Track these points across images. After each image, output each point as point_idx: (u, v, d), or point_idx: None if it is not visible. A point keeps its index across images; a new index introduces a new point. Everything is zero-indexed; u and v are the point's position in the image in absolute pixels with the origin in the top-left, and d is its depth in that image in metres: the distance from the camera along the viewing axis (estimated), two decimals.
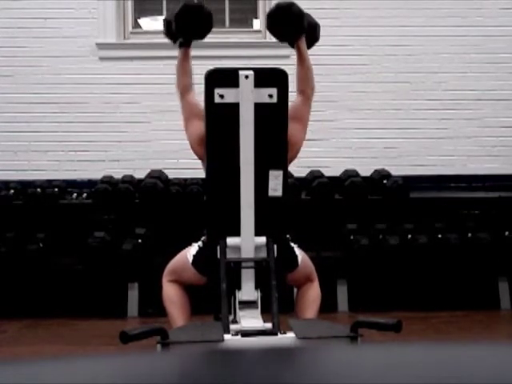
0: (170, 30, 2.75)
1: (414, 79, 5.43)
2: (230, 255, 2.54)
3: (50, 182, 5.02)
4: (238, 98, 2.50)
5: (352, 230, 4.69)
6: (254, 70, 2.54)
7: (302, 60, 2.74)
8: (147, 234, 4.66)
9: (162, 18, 5.71)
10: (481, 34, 5.42)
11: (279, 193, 2.59)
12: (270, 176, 2.58)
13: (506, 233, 4.68)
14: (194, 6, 2.68)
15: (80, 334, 3.99)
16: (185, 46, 2.72)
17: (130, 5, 5.59)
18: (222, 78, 2.54)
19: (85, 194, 5.01)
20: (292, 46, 2.79)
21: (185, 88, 2.74)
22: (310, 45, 2.80)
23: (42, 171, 5.27)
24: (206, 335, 2.21)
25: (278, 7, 2.69)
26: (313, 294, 2.76)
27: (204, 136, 2.63)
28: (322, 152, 5.27)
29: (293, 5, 2.69)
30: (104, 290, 4.50)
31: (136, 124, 5.37)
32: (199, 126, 2.67)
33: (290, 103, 2.64)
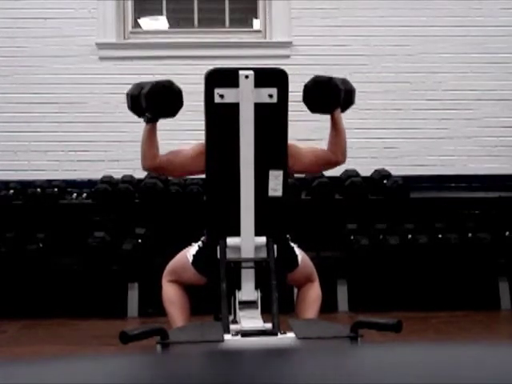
0: (134, 105, 2.65)
1: (414, 79, 5.43)
2: (229, 255, 2.54)
3: (49, 182, 5.02)
4: (238, 98, 2.50)
5: (352, 229, 4.69)
6: (254, 70, 2.54)
7: (336, 130, 2.72)
8: (147, 234, 4.66)
9: (162, 17, 5.75)
10: (481, 34, 5.42)
11: (279, 193, 2.59)
12: (270, 176, 2.58)
13: (506, 233, 4.68)
14: (164, 85, 2.60)
15: (80, 333, 3.99)
16: (152, 121, 2.64)
17: (129, 5, 5.58)
18: (222, 77, 2.54)
19: (85, 194, 5.01)
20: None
21: (153, 158, 2.67)
22: (344, 109, 2.75)
23: (42, 171, 5.27)
24: (206, 335, 2.21)
25: (317, 82, 2.64)
26: (313, 295, 2.76)
27: (198, 148, 2.64)
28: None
29: (331, 80, 2.64)
30: (104, 290, 4.50)
31: (136, 124, 5.31)
32: (187, 150, 2.68)
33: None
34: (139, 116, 2.70)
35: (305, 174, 2.92)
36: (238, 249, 2.55)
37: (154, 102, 2.58)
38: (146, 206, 4.78)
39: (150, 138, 2.66)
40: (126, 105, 5.73)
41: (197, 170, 2.71)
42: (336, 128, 2.72)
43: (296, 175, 4.35)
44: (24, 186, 4.96)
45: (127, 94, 2.70)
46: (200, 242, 2.72)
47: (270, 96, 2.53)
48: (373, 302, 4.36)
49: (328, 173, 4.97)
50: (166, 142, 5.39)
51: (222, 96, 2.51)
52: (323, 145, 5.41)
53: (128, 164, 5.30)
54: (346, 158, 2.81)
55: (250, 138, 2.51)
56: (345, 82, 2.72)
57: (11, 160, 5.34)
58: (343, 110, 2.75)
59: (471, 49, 5.44)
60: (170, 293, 2.74)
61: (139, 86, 2.64)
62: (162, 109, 2.62)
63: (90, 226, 4.67)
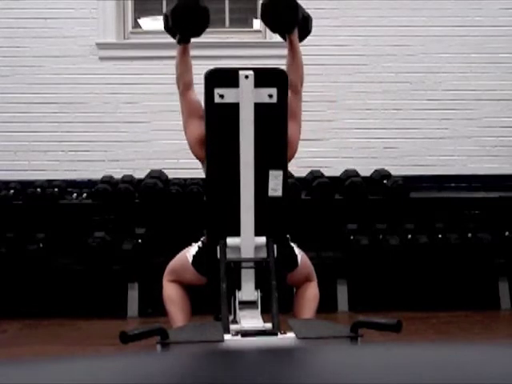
0: (168, 25, 2.69)
1: (414, 79, 5.43)
2: (229, 255, 2.54)
3: (49, 182, 5.02)
4: (238, 98, 2.50)
5: (352, 230, 4.69)
6: (254, 69, 2.54)
7: (293, 53, 2.72)
8: (147, 234, 4.66)
9: (162, 17, 5.74)
10: (481, 34, 5.42)
11: (279, 193, 2.59)
12: (269, 176, 2.58)
13: (506, 233, 4.68)
14: (190, 2, 2.65)
15: (80, 333, 3.99)
16: (183, 42, 2.67)
17: (130, 5, 5.58)
18: (222, 77, 2.54)
19: (85, 194, 5.01)
20: (284, 37, 2.77)
21: (185, 85, 2.69)
22: (301, 37, 2.77)
23: (42, 171, 5.27)
24: (206, 335, 2.21)
25: None
26: (311, 294, 2.76)
27: (202, 136, 2.63)
28: (321, 152, 5.27)
29: None
30: (104, 290, 4.50)
31: (136, 124, 5.37)
32: (199, 126, 2.65)
33: None
34: (173, 36, 2.72)
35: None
36: (237, 249, 2.55)
37: (180, 18, 2.61)
38: (146, 205, 4.78)
39: (183, 60, 2.67)
40: (126, 105, 5.75)
41: (193, 151, 2.71)
42: (293, 52, 2.72)
43: (296, 175, 4.36)
44: (24, 186, 4.96)
45: (164, 14, 2.72)
46: (200, 242, 2.72)
47: (270, 96, 2.53)
48: (373, 302, 4.36)
49: (328, 173, 5.00)
50: (167, 142, 5.42)
51: (221, 96, 2.51)
52: (323, 145, 5.41)
53: (128, 164, 5.31)
54: (304, 80, 2.77)
55: (250, 138, 2.51)
56: (301, 6, 2.73)
57: (11, 160, 5.34)
58: (301, 39, 2.76)
59: (471, 49, 5.44)
60: (171, 292, 2.74)
61: (171, 7, 2.66)
62: (188, 26, 2.63)
63: (90, 226, 4.67)
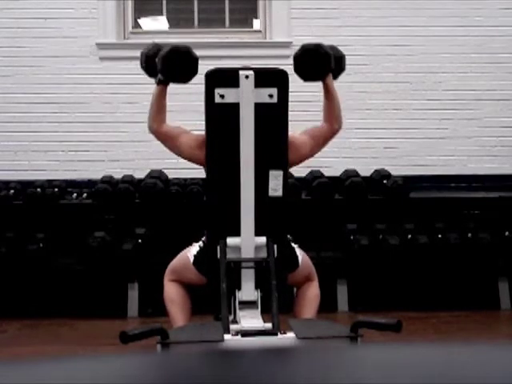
0: (148, 65, 2.68)
1: (414, 79, 5.43)
2: (230, 255, 2.54)
3: (50, 182, 5.02)
4: (239, 98, 2.50)
5: (352, 230, 4.69)
6: (254, 70, 2.54)
7: (329, 96, 2.71)
8: (147, 234, 4.66)
9: (162, 17, 5.75)
10: (481, 34, 5.42)
11: (279, 193, 2.59)
12: (270, 176, 2.58)
13: (506, 233, 4.67)
14: (183, 51, 2.63)
15: (80, 333, 3.99)
16: (163, 84, 2.67)
17: (130, 5, 5.58)
18: (223, 77, 2.54)
19: (85, 194, 5.00)
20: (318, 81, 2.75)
21: (160, 122, 2.69)
22: (335, 76, 2.76)
23: (42, 171, 5.27)
24: (206, 335, 2.21)
25: (305, 50, 2.66)
26: (312, 294, 2.77)
27: (199, 141, 2.63)
28: (321, 152, 5.25)
29: (319, 47, 2.66)
30: (104, 290, 4.50)
31: (136, 124, 5.36)
32: (190, 137, 2.69)
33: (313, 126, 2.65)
34: (150, 76, 2.72)
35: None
36: (238, 249, 2.55)
37: (170, 65, 2.60)
38: (146, 206, 4.78)
39: (159, 100, 2.68)
40: (126, 105, 5.75)
41: (195, 159, 2.71)
42: (329, 95, 2.72)
43: (296, 175, 4.36)
44: (24, 185, 4.96)
45: (142, 53, 2.74)
46: (201, 242, 2.72)
47: (270, 96, 2.53)
48: (373, 302, 4.36)
49: (328, 173, 5.00)
50: None
51: (222, 96, 2.52)
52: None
53: (128, 164, 5.30)
54: (342, 124, 2.79)
55: (250, 138, 2.51)
56: (334, 48, 2.74)
57: (11, 160, 5.34)
58: (335, 77, 2.76)
59: (471, 49, 5.44)
60: (172, 292, 2.74)
61: (156, 47, 2.68)
62: (177, 73, 2.63)
63: (90, 226, 4.67)
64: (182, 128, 2.76)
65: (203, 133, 2.68)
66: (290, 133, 2.74)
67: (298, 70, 2.67)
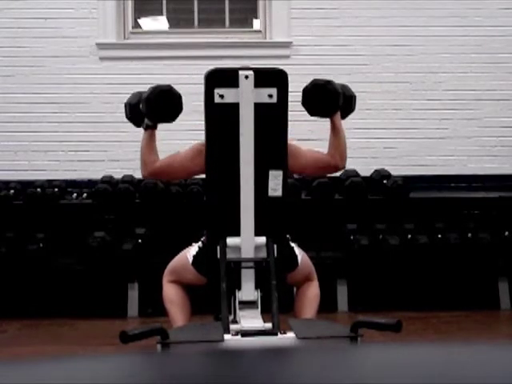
0: (133, 114, 2.71)
1: (414, 79, 5.43)
2: (230, 255, 2.54)
3: (50, 182, 5.02)
4: (238, 98, 2.50)
5: (352, 230, 4.69)
6: (254, 70, 2.54)
7: (335, 134, 2.71)
8: (147, 234, 4.66)
9: (162, 17, 5.75)
10: (481, 34, 5.42)
11: (279, 193, 2.59)
12: (269, 176, 2.58)
13: (506, 233, 4.67)
14: (164, 90, 2.63)
15: (80, 333, 3.99)
16: (151, 128, 2.68)
17: (130, 5, 5.58)
18: (222, 78, 2.54)
19: (85, 194, 5.01)
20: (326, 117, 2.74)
21: (152, 163, 2.69)
22: (344, 116, 2.76)
23: (42, 171, 5.27)
24: (206, 335, 2.21)
25: (315, 85, 2.65)
26: (312, 293, 2.77)
27: (196, 152, 2.64)
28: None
29: (329, 83, 2.64)
30: (104, 290, 4.50)
31: None
32: (185, 151, 2.70)
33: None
34: (137, 125, 2.76)
35: (304, 175, 2.95)
36: (237, 249, 2.55)
37: (154, 106, 2.62)
38: (146, 205, 4.78)
39: (150, 144, 2.71)
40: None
41: (197, 169, 2.71)
42: (335, 132, 2.72)
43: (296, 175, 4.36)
44: (24, 185, 4.96)
45: (125, 104, 2.76)
46: (200, 243, 2.73)
47: (270, 96, 2.53)
48: (373, 302, 4.36)
49: None
50: (167, 142, 5.39)
51: (221, 96, 2.51)
52: (323, 145, 5.42)
53: (128, 164, 5.30)
54: (346, 163, 2.80)
55: (250, 138, 2.51)
56: (345, 87, 2.72)
57: (11, 160, 5.34)
58: (343, 117, 2.75)
59: (471, 49, 5.44)
60: (171, 293, 2.74)
61: (138, 95, 2.69)
62: (162, 113, 2.66)
63: (90, 226, 4.67)
64: (171, 155, 2.75)
65: (195, 142, 2.70)
66: (295, 142, 2.75)
67: (305, 103, 2.67)
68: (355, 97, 2.78)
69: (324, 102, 2.66)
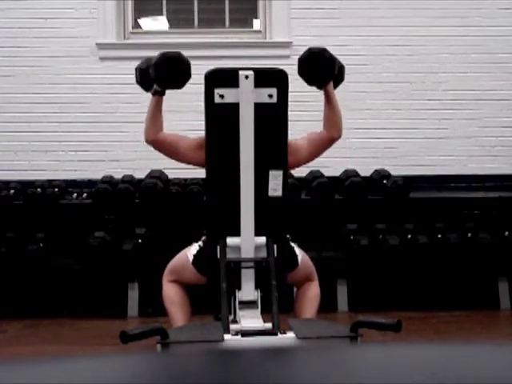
0: (143, 78, 2.71)
1: (414, 79, 5.43)
2: (230, 255, 2.54)
3: (50, 182, 5.02)
4: (238, 98, 2.50)
5: (352, 230, 4.69)
6: (254, 70, 2.54)
7: (329, 103, 2.73)
8: (147, 234, 4.66)
9: (162, 17, 5.74)
10: (481, 34, 5.42)
11: (279, 193, 2.59)
12: (269, 176, 2.58)
13: (506, 233, 4.67)
14: (174, 56, 2.65)
15: (80, 333, 3.99)
16: (159, 94, 2.69)
17: (130, 5, 5.58)
18: (222, 78, 2.54)
19: (85, 194, 5.01)
20: (319, 88, 2.76)
21: (156, 133, 2.71)
22: (335, 86, 2.78)
23: (43, 171, 5.27)
24: (206, 335, 2.21)
25: (311, 52, 2.67)
26: (312, 293, 2.77)
27: (199, 143, 2.64)
28: None
29: (325, 51, 2.67)
30: (104, 290, 4.50)
31: (136, 124, 5.34)
32: (189, 141, 2.72)
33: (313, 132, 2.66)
34: (146, 90, 2.73)
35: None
36: (237, 249, 2.55)
37: (163, 71, 2.62)
38: (146, 206, 4.78)
39: (156, 112, 2.70)
40: (126, 105, 5.75)
41: (196, 161, 2.72)
42: (329, 103, 2.73)
43: (296, 175, 4.36)
44: (24, 185, 4.96)
45: (136, 68, 2.76)
46: (200, 242, 2.73)
47: (270, 96, 2.53)
48: (373, 302, 4.36)
49: (328, 173, 5.00)
50: None
51: (222, 96, 2.52)
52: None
53: (128, 164, 5.31)
54: (342, 132, 2.80)
55: (250, 138, 2.51)
56: (336, 59, 2.74)
57: (11, 160, 5.34)
58: (335, 87, 2.77)
59: (471, 49, 5.44)
60: (171, 292, 2.74)
61: (148, 60, 2.69)
62: (170, 79, 2.65)
63: (90, 226, 4.67)
64: (179, 134, 2.77)
65: (201, 134, 2.69)
66: (289, 137, 2.75)
67: (302, 72, 2.68)
68: (344, 67, 2.82)
69: (321, 69, 2.67)
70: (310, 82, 2.73)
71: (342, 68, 2.79)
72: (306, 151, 2.75)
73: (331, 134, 2.76)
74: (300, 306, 2.76)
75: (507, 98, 5.43)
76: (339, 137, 2.80)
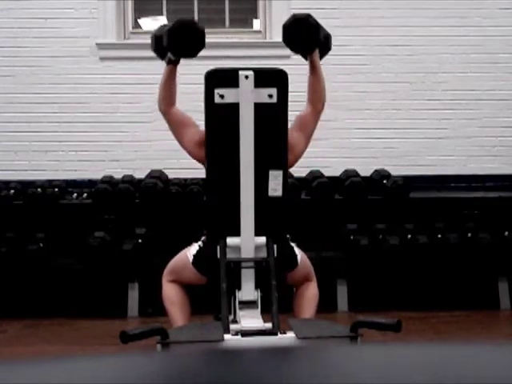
0: (158, 46, 2.69)
1: (414, 79, 5.43)
2: (230, 255, 2.54)
3: (50, 181, 5.02)
4: (238, 98, 2.50)
5: (352, 230, 4.69)
6: (254, 70, 2.54)
7: (314, 72, 2.72)
8: (147, 234, 4.66)
9: (162, 17, 5.74)
10: (481, 34, 5.42)
11: (279, 193, 2.59)
12: (269, 176, 2.58)
13: (506, 233, 4.67)
14: (188, 23, 2.64)
15: (80, 333, 3.99)
16: (173, 63, 2.67)
17: (130, 5, 5.58)
18: (222, 78, 2.54)
19: (85, 194, 5.00)
20: (305, 57, 2.76)
21: (169, 105, 2.70)
22: (321, 56, 2.77)
23: (43, 171, 5.27)
24: (206, 335, 2.21)
25: (295, 18, 2.67)
26: (311, 293, 2.77)
27: (203, 138, 2.64)
28: (321, 152, 5.26)
29: (309, 17, 2.66)
30: (104, 290, 4.50)
31: (136, 124, 5.36)
32: (197, 131, 2.69)
33: (299, 113, 2.63)
34: (162, 58, 2.71)
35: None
36: (237, 249, 2.55)
37: (176, 38, 2.60)
38: (146, 206, 4.78)
39: (169, 81, 2.68)
40: (126, 105, 5.75)
41: (194, 155, 2.72)
42: (315, 72, 2.73)
43: (296, 175, 4.36)
44: (24, 185, 4.96)
45: (151, 36, 2.74)
46: (200, 242, 2.73)
47: (270, 96, 2.53)
48: (373, 302, 4.36)
49: (328, 173, 5.00)
50: (167, 141, 5.40)
51: (222, 96, 2.51)
52: (323, 145, 5.42)
53: (128, 164, 5.31)
54: (325, 104, 2.80)
55: (250, 138, 2.51)
56: (322, 27, 2.73)
57: (12, 160, 5.34)
58: (321, 56, 2.77)
59: (471, 49, 5.44)
60: (171, 292, 2.74)
61: (164, 27, 2.67)
62: (183, 46, 2.62)
63: (90, 226, 4.67)
64: (191, 120, 2.74)
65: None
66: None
67: (286, 39, 2.68)
68: (331, 36, 2.80)
69: (306, 36, 2.66)
70: (294, 50, 2.73)
71: (328, 37, 2.78)
72: (303, 144, 2.74)
73: (317, 108, 2.75)
74: (299, 306, 2.76)
75: (507, 98, 5.43)
76: (323, 107, 2.79)
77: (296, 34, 2.66)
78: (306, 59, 2.75)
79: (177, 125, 2.72)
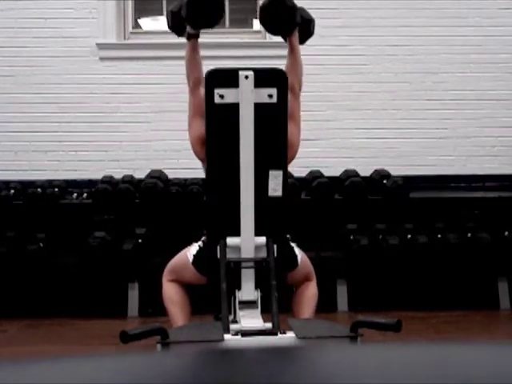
0: (174, 22, 2.68)
1: (414, 79, 5.43)
2: (230, 255, 2.54)
3: (50, 181, 5.02)
4: (238, 98, 2.50)
5: (352, 230, 4.69)
6: (254, 70, 2.54)
7: (293, 54, 2.73)
8: (147, 234, 4.66)
9: (162, 17, 5.74)
10: (481, 34, 5.42)
11: (279, 193, 2.59)
12: (269, 176, 2.58)
13: (506, 233, 4.67)
14: None
15: (80, 333, 3.99)
16: (193, 37, 2.67)
17: (130, 5, 5.59)
18: (222, 78, 2.54)
19: (85, 194, 5.01)
20: (284, 39, 2.77)
21: (194, 82, 2.69)
22: (303, 40, 2.79)
23: (43, 171, 5.27)
24: (206, 335, 2.21)
25: (271, 1, 2.68)
26: (310, 293, 2.77)
27: (204, 135, 2.63)
28: (321, 152, 5.27)
29: None
30: (104, 290, 4.50)
31: (136, 124, 5.37)
32: (202, 126, 2.67)
33: None
34: (179, 34, 2.71)
35: None
36: (237, 249, 2.55)
37: (195, 8, 2.58)
38: (146, 206, 4.78)
39: (192, 56, 2.68)
40: (126, 105, 5.74)
41: (194, 151, 2.71)
42: (293, 54, 2.73)
43: (296, 175, 4.36)
44: (24, 185, 4.96)
45: (167, 12, 2.72)
46: (200, 242, 2.72)
47: (270, 96, 2.53)
48: (372, 302, 4.36)
49: (328, 173, 5.00)
50: (167, 141, 5.42)
51: (221, 96, 2.51)
52: (323, 145, 5.41)
53: (128, 164, 5.31)
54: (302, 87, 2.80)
55: (250, 138, 2.51)
56: (303, 10, 2.75)
57: (12, 160, 5.34)
58: (303, 41, 2.78)
59: (471, 49, 5.44)
60: (171, 292, 2.74)
61: (180, 2, 2.64)
62: (203, 16, 2.60)
63: (90, 226, 4.67)
64: (204, 108, 2.72)
65: None
66: None
67: (263, 21, 2.70)
68: (314, 20, 2.81)
69: (282, 17, 2.67)
70: (272, 31, 2.73)
71: (310, 21, 2.78)
72: (297, 133, 2.74)
73: (295, 91, 2.74)
74: (298, 305, 2.76)
75: (507, 98, 5.44)
76: (301, 89, 2.79)
77: (273, 15, 2.67)
78: (286, 41, 2.75)
79: (193, 110, 2.70)
